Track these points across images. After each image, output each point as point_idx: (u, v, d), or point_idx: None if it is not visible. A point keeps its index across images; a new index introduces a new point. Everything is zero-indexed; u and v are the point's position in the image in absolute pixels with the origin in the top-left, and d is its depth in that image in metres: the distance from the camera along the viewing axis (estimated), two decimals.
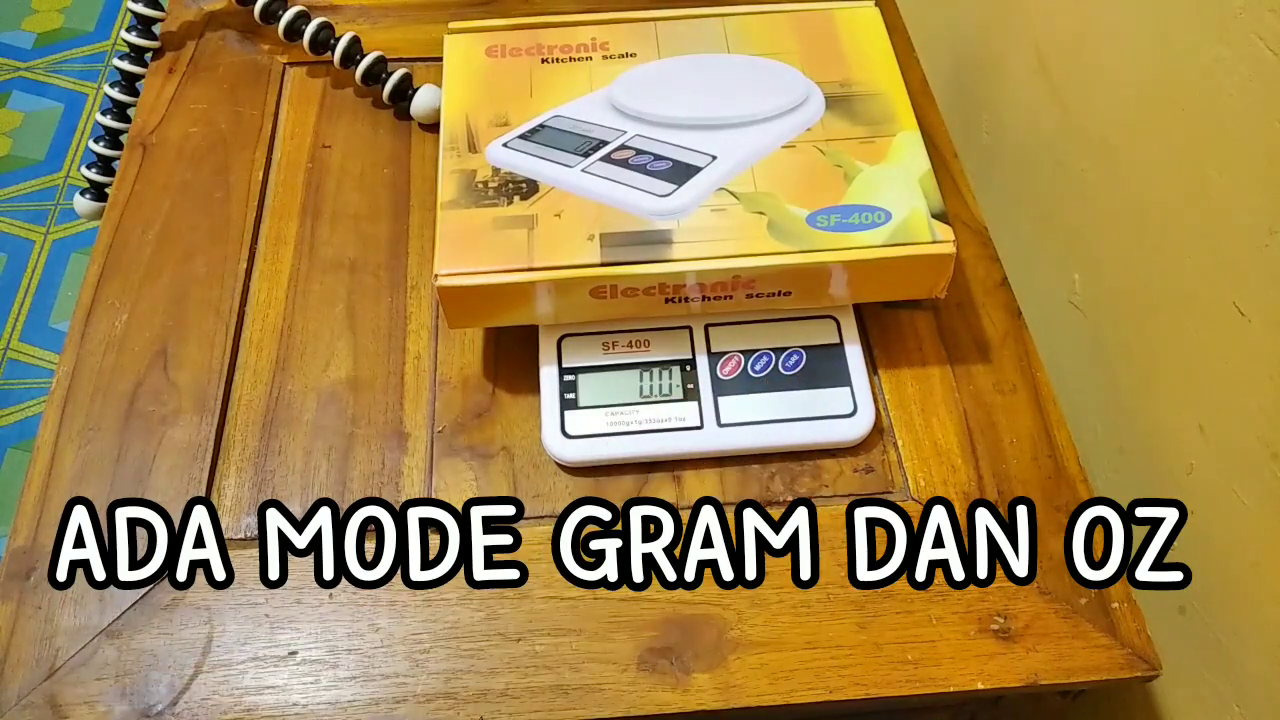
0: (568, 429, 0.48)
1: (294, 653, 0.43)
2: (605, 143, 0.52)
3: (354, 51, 0.63)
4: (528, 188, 0.49)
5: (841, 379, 0.50)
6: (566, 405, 0.49)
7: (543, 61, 0.56)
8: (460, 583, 0.45)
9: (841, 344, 0.51)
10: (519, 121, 0.53)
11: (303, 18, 0.64)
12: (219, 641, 0.44)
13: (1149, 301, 0.52)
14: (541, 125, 0.53)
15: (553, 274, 0.47)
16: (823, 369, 0.50)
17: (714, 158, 0.51)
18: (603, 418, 0.49)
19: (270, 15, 0.65)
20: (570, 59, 0.56)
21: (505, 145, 0.51)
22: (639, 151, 0.51)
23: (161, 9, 0.65)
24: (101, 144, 0.68)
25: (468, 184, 0.50)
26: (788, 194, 0.49)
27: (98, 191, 0.71)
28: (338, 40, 0.63)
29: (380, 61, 0.63)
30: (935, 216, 0.48)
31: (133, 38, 0.65)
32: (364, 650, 0.44)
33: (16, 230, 1.42)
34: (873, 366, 0.52)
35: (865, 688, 0.43)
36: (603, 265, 0.47)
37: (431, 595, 0.45)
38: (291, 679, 0.43)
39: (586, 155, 0.51)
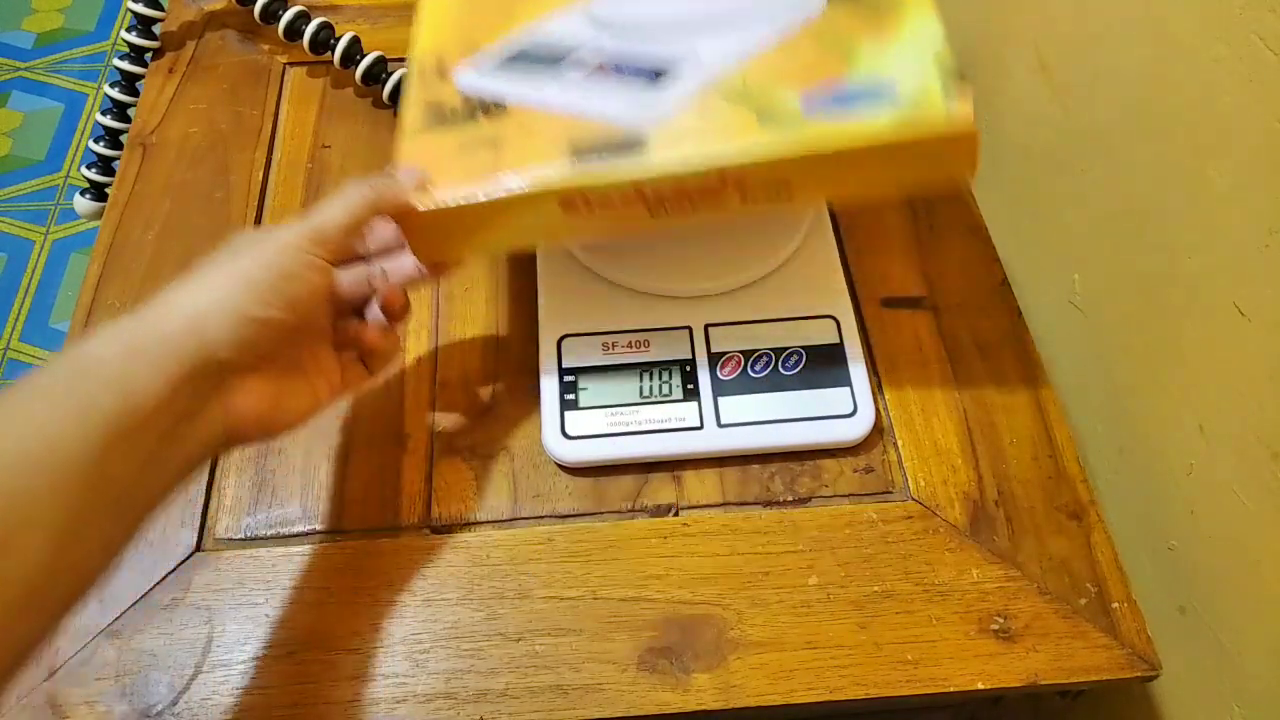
0: (568, 429, 0.48)
1: (294, 653, 0.43)
2: (579, 53, 0.47)
3: (354, 51, 0.63)
4: (497, 108, 0.45)
5: (841, 379, 0.50)
6: (566, 406, 0.49)
7: None
8: (460, 582, 0.45)
9: (841, 344, 0.51)
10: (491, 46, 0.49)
11: (303, 18, 0.64)
12: (219, 641, 0.44)
13: (1149, 301, 0.52)
14: (513, 44, 0.48)
15: (519, 190, 0.42)
16: (823, 369, 0.50)
17: (697, 57, 0.45)
18: (603, 418, 0.49)
19: (270, 15, 0.65)
20: None
21: (475, 68, 0.48)
22: (615, 58, 0.46)
23: (161, 9, 0.65)
24: (101, 144, 0.68)
25: (434, 111, 0.46)
26: (779, 81, 0.43)
27: (98, 191, 0.71)
28: (338, 40, 0.63)
29: (380, 61, 0.63)
30: (950, 88, 0.41)
31: (133, 38, 0.65)
32: (364, 650, 0.44)
33: (16, 230, 1.42)
34: (873, 366, 0.52)
35: (865, 688, 0.43)
36: (572, 175, 0.42)
37: (431, 595, 0.45)
38: (291, 679, 0.43)
39: (559, 68, 0.46)
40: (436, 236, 0.44)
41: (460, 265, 0.45)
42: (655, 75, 0.45)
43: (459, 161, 0.44)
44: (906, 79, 0.41)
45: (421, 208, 0.43)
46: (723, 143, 0.41)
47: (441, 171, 0.43)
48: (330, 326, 0.42)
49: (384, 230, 0.44)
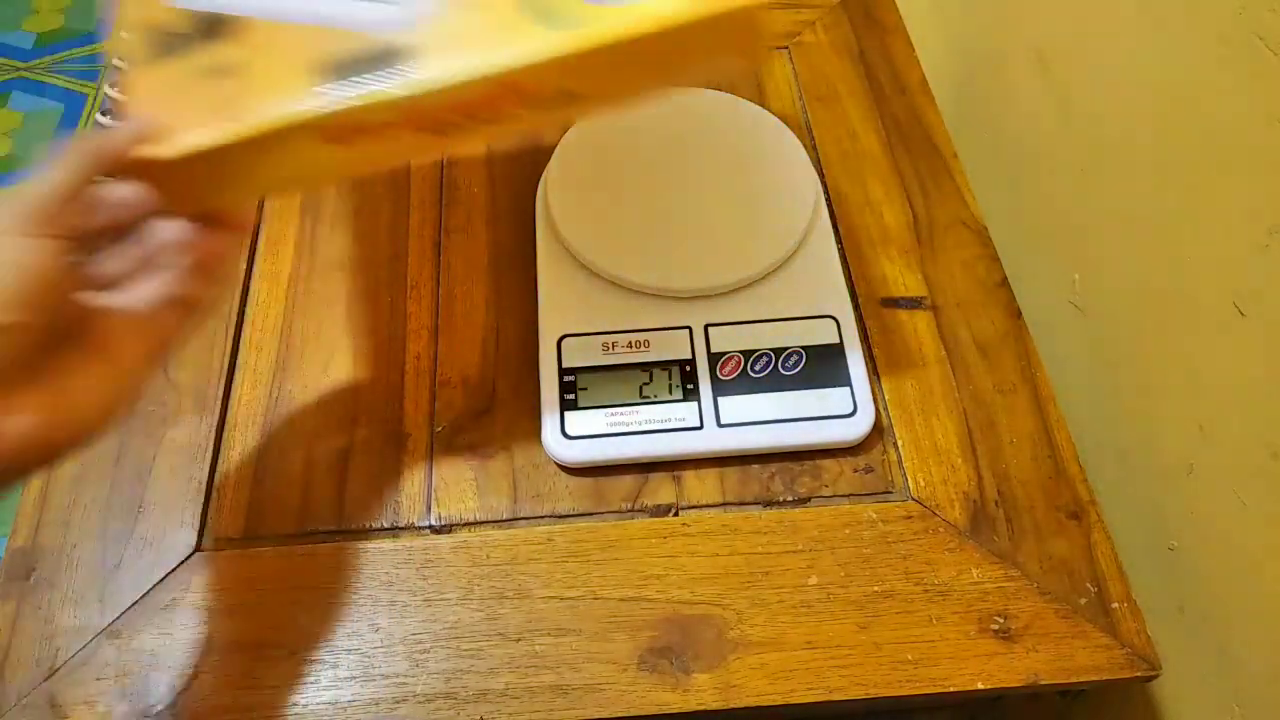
0: (568, 429, 0.48)
1: (294, 653, 0.43)
2: None
3: None
4: (228, 26, 0.40)
5: (841, 379, 0.50)
6: (566, 406, 0.49)
7: None
8: (460, 582, 0.45)
9: (841, 344, 0.51)
10: None
11: None
12: (219, 641, 0.44)
13: (1149, 301, 0.52)
14: None
15: (269, 124, 0.37)
16: (823, 369, 0.50)
17: None
18: (603, 418, 0.49)
19: None
20: None
21: None
22: None
23: None
24: None
25: (152, 36, 0.40)
26: None
27: None
28: None
29: None
30: None
31: None
32: (364, 650, 0.44)
33: None
34: (873, 366, 0.52)
35: (865, 688, 0.43)
36: (327, 102, 0.37)
37: (431, 595, 0.45)
38: (291, 679, 0.43)
39: None
40: (189, 185, 0.38)
41: (241, 213, 0.40)
42: None
43: (195, 93, 0.38)
44: None
45: (161, 155, 0.37)
46: (500, 45, 0.37)
47: (177, 108, 0.38)
48: (96, 298, 0.36)
49: (121, 192, 0.37)
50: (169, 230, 0.38)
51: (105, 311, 0.36)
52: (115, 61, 0.39)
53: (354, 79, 0.37)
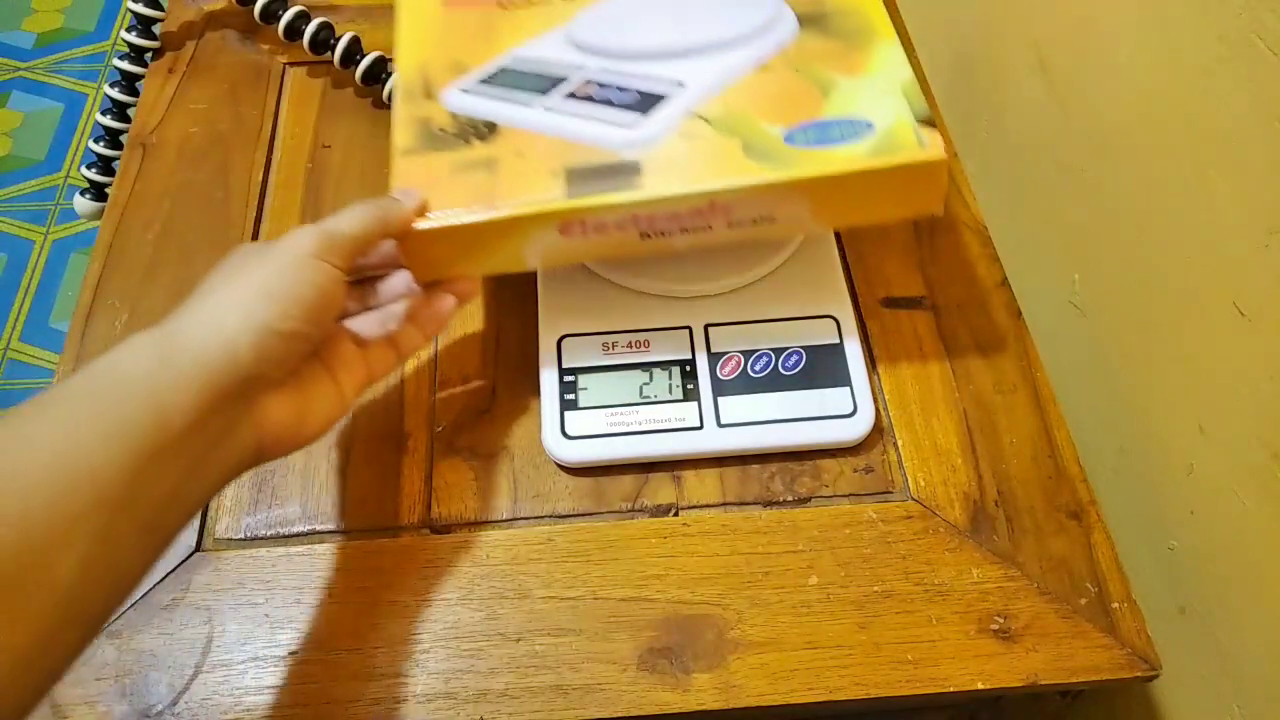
0: (568, 429, 0.48)
1: (294, 652, 0.43)
2: (566, 79, 0.49)
3: (354, 51, 0.63)
4: (487, 130, 0.47)
5: (841, 379, 0.50)
6: (566, 406, 0.49)
7: (501, 7, 0.53)
8: (460, 582, 0.45)
9: (841, 344, 0.51)
10: (476, 66, 0.50)
11: (303, 18, 0.64)
12: (219, 641, 0.44)
13: (1149, 301, 0.52)
14: (500, 67, 0.50)
15: (518, 211, 0.44)
16: (823, 369, 0.50)
17: (681, 84, 0.48)
18: (603, 418, 0.49)
19: (270, 15, 0.65)
20: (528, 3, 0.53)
21: (463, 90, 0.49)
22: (602, 85, 0.48)
23: (161, 9, 0.65)
24: (101, 144, 0.68)
25: (424, 131, 0.47)
26: (762, 114, 0.46)
27: (98, 191, 0.71)
28: (338, 40, 0.63)
29: (380, 61, 0.63)
30: (921, 123, 0.45)
31: (133, 38, 0.65)
32: (364, 650, 0.44)
33: (16, 230, 1.42)
34: (873, 366, 0.52)
35: (865, 688, 0.43)
36: (570, 199, 0.44)
37: (431, 595, 0.45)
38: (291, 679, 0.43)
39: (547, 93, 0.48)
40: (434, 256, 0.45)
41: (468, 284, 0.46)
42: (643, 101, 0.47)
43: (455, 183, 0.45)
44: (880, 113, 0.45)
45: (423, 226, 0.43)
46: (713, 171, 0.44)
47: (438, 192, 0.44)
48: (342, 327, 0.43)
49: (384, 247, 0.45)
50: (403, 284, 0.46)
51: (341, 337, 0.42)
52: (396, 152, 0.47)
53: (590, 185, 0.44)
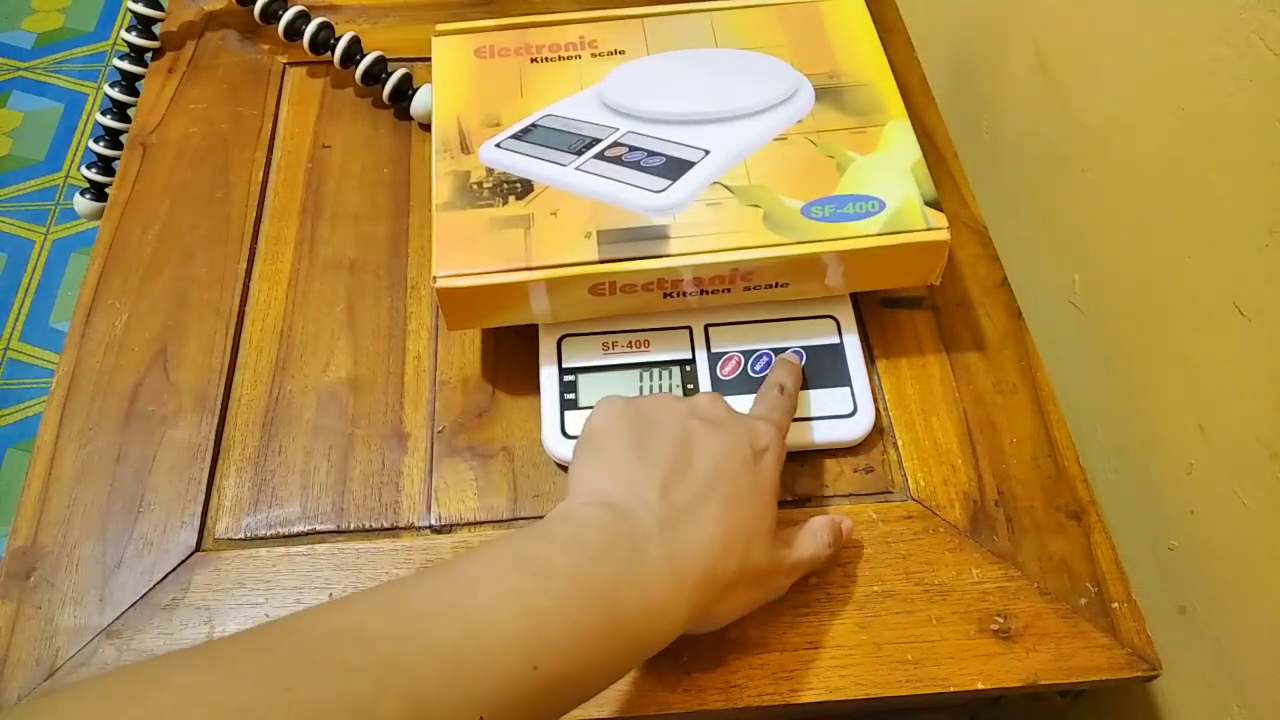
0: (568, 429, 0.48)
1: None
2: (598, 140, 0.52)
3: (354, 51, 0.63)
4: (522, 187, 0.49)
5: (841, 379, 0.50)
6: (566, 405, 0.49)
7: (532, 61, 0.56)
8: None
9: (841, 344, 0.51)
10: (510, 121, 0.53)
11: (303, 18, 0.64)
12: None
13: (1149, 301, 0.52)
14: (533, 124, 0.53)
15: (551, 272, 0.46)
16: (823, 369, 0.50)
17: (707, 152, 0.51)
18: None
19: (270, 15, 0.65)
20: (559, 58, 0.56)
21: (498, 146, 0.51)
22: (632, 148, 0.51)
23: (161, 9, 0.65)
24: (101, 144, 0.68)
25: (462, 185, 0.50)
26: (782, 186, 0.49)
27: (98, 191, 0.71)
28: (338, 40, 0.63)
29: (380, 61, 0.63)
30: (928, 204, 0.48)
31: (133, 38, 0.65)
32: None
33: (16, 230, 1.42)
34: (873, 366, 0.52)
35: (865, 688, 0.43)
36: (601, 262, 0.47)
37: None
38: None
39: (579, 153, 0.51)
40: (469, 309, 0.48)
41: None
42: (671, 167, 0.50)
43: (492, 239, 0.48)
44: (892, 193, 0.49)
45: (463, 284, 0.46)
46: (736, 240, 0.47)
47: (475, 247, 0.47)
48: None
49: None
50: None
51: None
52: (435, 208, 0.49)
53: (621, 248, 0.47)
